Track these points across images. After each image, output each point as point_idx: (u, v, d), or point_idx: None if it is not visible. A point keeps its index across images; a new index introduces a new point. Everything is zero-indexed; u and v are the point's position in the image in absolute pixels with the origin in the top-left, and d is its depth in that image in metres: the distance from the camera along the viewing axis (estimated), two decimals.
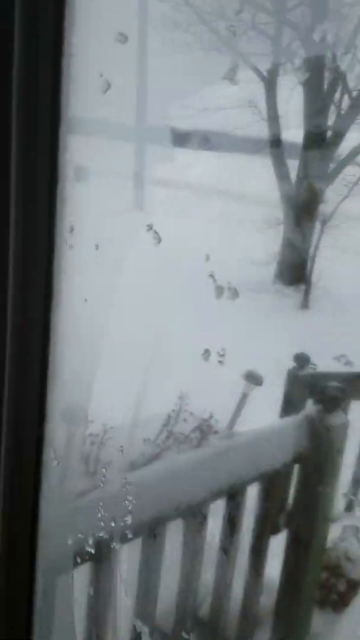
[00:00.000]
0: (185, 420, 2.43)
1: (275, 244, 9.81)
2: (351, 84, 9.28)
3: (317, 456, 1.70)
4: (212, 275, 1.20)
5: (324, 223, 8.91)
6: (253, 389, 2.43)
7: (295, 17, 9.40)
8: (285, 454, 1.70)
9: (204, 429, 2.41)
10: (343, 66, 8.67)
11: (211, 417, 2.46)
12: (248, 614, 1.78)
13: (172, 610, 1.58)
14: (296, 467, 1.76)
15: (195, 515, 1.47)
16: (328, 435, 1.68)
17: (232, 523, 1.61)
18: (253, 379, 2.47)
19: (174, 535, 1.53)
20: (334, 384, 1.78)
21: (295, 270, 9.59)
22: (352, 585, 1.87)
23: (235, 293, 1.07)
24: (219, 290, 1.08)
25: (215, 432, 2.44)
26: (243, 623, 1.78)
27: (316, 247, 8.98)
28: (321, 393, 1.74)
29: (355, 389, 2.68)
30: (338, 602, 1.87)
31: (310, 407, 1.80)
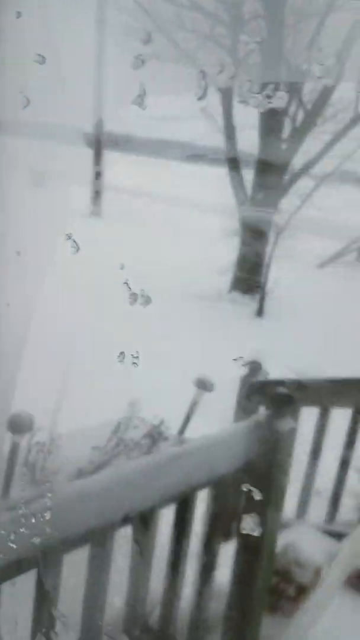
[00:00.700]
0: (136, 427, 2.42)
1: (232, 254, 9.97)
2: (305, 97, 9.54)
3: (266, 461, 1.72)
4: (134, 290, 1.23)
5: (278, 233, 9.11)
6: (203, 395, 2.45)
7: (251, 30, 9.61)
8: (236, 459, 1.71)
9: (155, 436, 2.41)
10: (298, 80, 8.89)
11: (162, 423, 2.46)
12: (198, 621, 1.79)
13: (121, 619, 1.57)
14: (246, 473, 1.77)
15: (144, 522, 1.47)
16: (276, 440, 1.71)
17: (181, 529, 1.61)
18: (203, 385, 2.49)
19: (123, 542, 1.52)
20: (282, 390, 1.81)
21: (251, 280, 9.76)
22: (302, 590, 1.89)
23: (148, 299, 1.10)
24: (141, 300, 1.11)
25: (166, 439, 2.44)
26: (193, 630, 1.78)
27: (270, 257, 9.17)
28: (270, 399, 1.77)
29: (305, 396, 2.75)
30: (288, 607, 1.89)
31: (260, 412, 1.83)
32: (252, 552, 1.75)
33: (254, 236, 9.53)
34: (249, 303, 9.25)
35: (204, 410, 2.75)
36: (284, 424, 1.73)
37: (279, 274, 8.99)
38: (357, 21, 8.16)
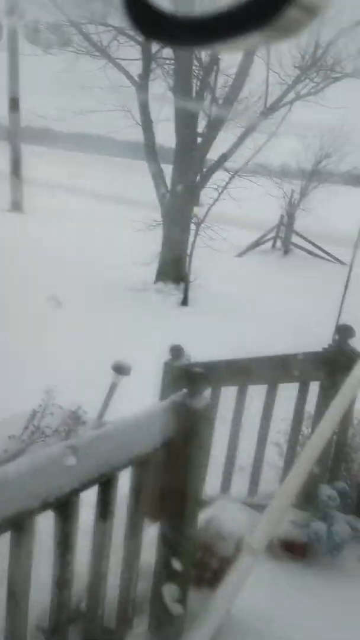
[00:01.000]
0: (52, 414, 2.41)
1: (156, 245, 10.03)
2: (218, 92, 9.70)
3: (184, 439, 1.78)
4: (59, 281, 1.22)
5: (198, 224, 9.28)
6: (122, 379, 2.47)
7: None
8: (155, 438, 1.75)
9: (72, 421, 2.41)
10: (210, 74, 9.03)
11: (79, 408, 2.46)
12: (126, 601, 1.82)
13: (47, 607, 1.56)
14: (166, 452, 1.82)
15: (64, 507, 1.47)
16: (193, 418, 1.77)
17: (104, 510, 1.63)
18: (121, 369, 2.51)
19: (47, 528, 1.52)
20: (197, 369, 1.87)
21: (175, 270, 9.89)
22: (225, 562, 1.97)
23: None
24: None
25: (84, 423, 2.45)
26: (122, 610, 1.81)
27: (192, 248, 9.33)
28: (185, 379, 1.83)
29: (226, 376, 2.85)
30: (213, 579, 1.96)
31: (177, 393, 1.87)
32: (175, 530, 1.80)
33: (176, 228, 9.65)
34: (174, 292, 9.38)
35: (131, 394, 2.78)
36: (200, 402, 1.79)
37: (201, 264, 9.20)
38: None
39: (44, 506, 1.41)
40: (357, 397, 2.59)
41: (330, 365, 2.58)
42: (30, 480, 1.35)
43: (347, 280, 5.24)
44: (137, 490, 1.76)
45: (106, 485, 1.62)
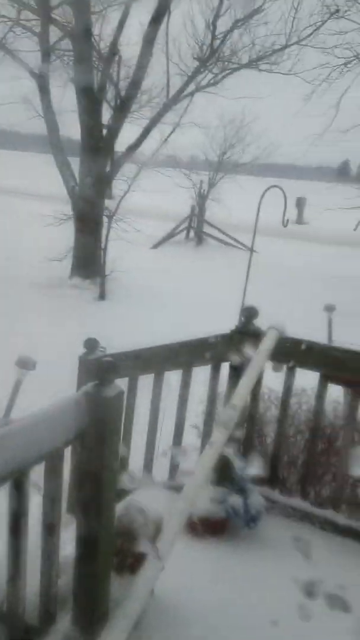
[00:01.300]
0: None
1: (68, 240, 9.84)
2: (121, 84, 9.64)
3: (98, 429, 1.78)
4: None
5: (110, 217, 9.22)
6: (26, 374, 2.42)
7: (60, 15, 9.41)
8: (67, 431, 1.75)
9: None
10: (111, 65, 8.95)
11: None
12: (48, 597, 1.80)
13: None
14: (80, 443, 1.82)
15: None
16: (105, 408, 1.77)
17: (18, 508, 1.61)
18: (25, 364, 2.46)
19: None
20: (107, 359, 1.88)
21: (90, 264, 9.79)
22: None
23: None
24: None
25: None
26: (44, 606, 1.79)
27: (106, 241, 9.27)
28: (95, 369, 1.83)
29: (142, 364, 2.88)
30: (134, 564, 1.99)
31: (88, 384, 1.87)
32: (92, 520, 1.81)
33: (88, 221, 9.53)
34: (91, 287, 9.28)
35: (46, 389, 2.73)
36: (111, 390, 1.80)
37: (117, 257, 9.16)
38: (161, 7, 8.42)
39: None
40: (265, 373, 2.72)
41: (237, 346, 2.68)
42: None
43: (249, 266, 5.47)
44: (52, 482, 1.74)
45: (17, 482, 1.59)
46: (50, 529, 1.78)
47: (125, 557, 2.01)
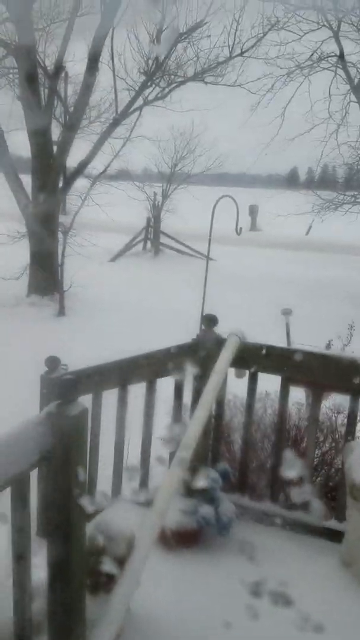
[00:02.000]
0: None
1: (23, 257, 9.71)
2: (69, 100, 9.65)
3: (62, 449, 1.76)
4: None
5: (65, 233, 9.16)
6: None
7: (2, 33, 9.34)
8: (31, 454, 1.71)
9: None
10: (56, 81, 8.93)
11: None
12: (22, 623, 1.76)
13: None
14: (45, 465, 1.79)
15: None
16: (68, 427, 1.75)
17: None
18: None
19: None
20: (67, 377, 1.86)
21: (47, 281, 9.67)
22: (119, 563, 1.98)
23: None
24: None
25: None
26: (19, 632, 1.75)
27: (62, 256, 9.19)
28: (56, 387, 1.81)
29: (105, 379, 2.85)
30: (109, 583, 1.96)
31: (50, 404, 1.84)
32: (62, 541, 1.78)
33: (43, 237, 9.42)
34: (49, 304, 9.16)
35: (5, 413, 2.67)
36: (74, 408, 1.78)
37: (74, 272, 9.08)
38: (104, 22, 8.47)
39: None
40: (228, 379, 2.75)
41: (199, 354, 2.70)
42: None
43: (206, 274, 5.55)
44: (18, 510, 1.71)
45: None
46: (20, 558, 1.74)
47: (99, 576, 1.98)
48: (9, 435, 1.69)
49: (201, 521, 2.46)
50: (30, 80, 8.67)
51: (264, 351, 2.66)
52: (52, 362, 2.85)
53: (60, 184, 9.37)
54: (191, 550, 2.50)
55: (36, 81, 8.84)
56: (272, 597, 2.20)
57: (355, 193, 12.74)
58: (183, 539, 2.47)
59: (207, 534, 2.53)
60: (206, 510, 2.47)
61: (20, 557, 1.72)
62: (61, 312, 8.68)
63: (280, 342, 4.68)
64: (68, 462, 1.79)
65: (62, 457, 1.78)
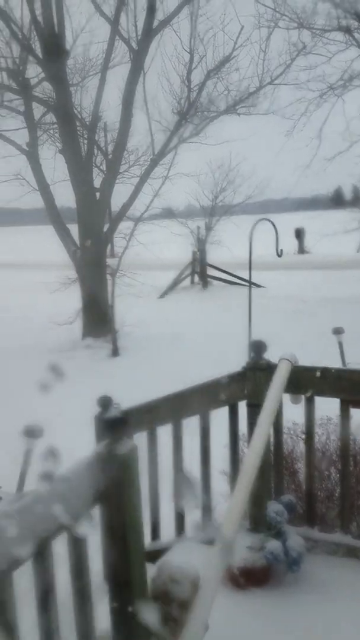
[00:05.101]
0: None
1: (76, 302, 9.96)
2: (107, 147, 9.99)
3: (115, 489, 1.72)
4: None
5: (113, 274, 9.35)
6: (34, 442, 2.36)
7: (41, 92, 9.85)
8: (84, 495, 1.69)
9: None
10: (95, 133, 9.31)
11: None
12: None
13: None
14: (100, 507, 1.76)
15: None
16: (119, 464, 1.72)
17: (42, 586, 1.54)
18: (32, 433, 2.41)
19: None
20: (116, 415, 1.84)
21: (100, 323, 9.85)
22: (184, 606, 1.89)
23: None
24: None
25: (0, 499, 2.31)
26: None
27: (112, 297, 9.36)
28: (105, 426, 1.79)
29: (159, 415, 2.82)
30: (175, 627, 1.88)
31: (100, 443, 1.83)
32: (123, 584, 1.72)
33: (92, 281, 9.66)
34: (104, 345, 9.30)
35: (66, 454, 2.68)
36: (123, 447, 1.75)
37: (125, 312, 9.22)
38: (135, 70, 8.81)
39: None
40: (285, 406, 2.64)
41: (250, 382, 2.62)
42: None
43: (249, 299, 5.48)
44: (74, 554, 1.67)
45: (39, 557, 1.53)
46: (81, 602, 1.70)
47: (165, 621, 1.90)
48: (62, 479, 1.68)
49: (269, 557, 2.34)
50: (69, 134, 9.07)
51: (318, 374, 2.55)
52: (104, 402, 2.85)
53: (105, 228, 9.64)
54: (261, 588, 2.37)
55: (75, 134, 9.24)
56: (349, 635, 2.05)
57: None
58: (251, 577, 2.35)
59: (276, 570, 2.40)
60: (274, 545, 2.34)
61: (81, 601, 1.68)
62: (115, 352, 8.78)
63: (335, 363, 4.51)
64: (121, 501, 1.75)
65: (115, 496, 1.75)
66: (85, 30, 10.10)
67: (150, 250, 10.42)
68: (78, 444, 2.80)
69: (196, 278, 14.94)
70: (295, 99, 11.14)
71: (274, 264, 10.24)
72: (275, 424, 2.55)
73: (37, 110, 10.06)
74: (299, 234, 22.12)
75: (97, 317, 9.54)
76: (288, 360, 2.52)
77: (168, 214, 14.64)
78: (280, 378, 2.44)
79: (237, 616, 2.17)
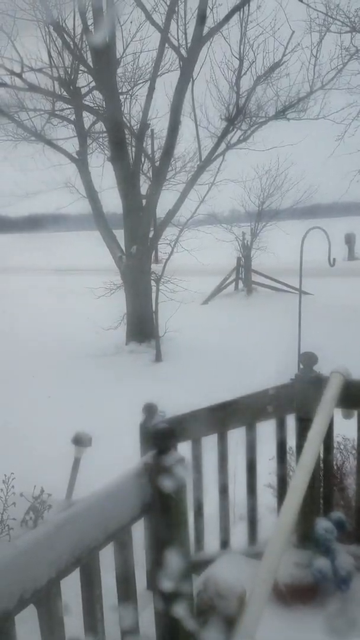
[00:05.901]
0: (15, 504, 2.27)
1: (121, 308, 10.08)
2: (155, 155, 10.08)
3: (162, 501, 1.71)
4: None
5: (157, 280, 9.40)
6: (83, 451, 2.37)
7: (91, 101, 10.03)
8: (132, 506, 1.69)
9: (38, 507, 2.28)
10: (143, 141, 9.41)
11: (42, 492, 2.33)
12: None
13: None
14: (147, 518, 1.75)
15: (44, 599, 1.38)
16: (166, 477, 1.71)
17: (89, 594, 1.54)
18: (80, 441, 2.42)
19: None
20: (162, 426, 1.83)
21: (144, 328, 9.92)
22: (230, 621, 1.86)
23: None
24: None
25: (50, 507, 2.32)
26: None
27: (156, 303, 9.41)
28: (151, 437, 1.78)
29: (203, 425, 2.80)
30: None
31: (147, 454, 1.82)
32: (168, 595, 1.71)
33: (137, 287, 9.74)
34: (147, 350, 9.35)
35: (107, 463, 2.69)
36: (170, 458, 1.74)
37: (169, 317, 9.24)
38: (184, 77, 8.86)
39: (22, 603, 1.32)
40: (335, 421, 2.57)
41: (300, 395, 2.56)
42: (4, 578, 1.27)
43: (299, 308, 5.37)
44: (121, 564, 1.67)
45: (86, 567, 1.54)
46: (126, 610, 1.69)
47: (211, 636, 1.87)
48: (110, 489, 1.68)
49: (317, 575, 2.27)
50: (118, 142, 9.20)
51: None
52: (150, 409, 2.85)
53: (151, 234, 9.70)
54: (307, 606, 2.31)
55: (124, 142, 9.36)
56: None
57: None
58: (299, 594, 2.29)
59: (324, 588, 2.33)
60: (322, 563, 2.28)
61: (126, 609, 1.68)
62: (158, 357, 8.81)
63: None
64: (168, 513, 1.74)
65: (162, 508, 1.74)
66: (135, 39, 10.21)
67: (194, 256, 10.41)
68: (123, 452, 2.82)
69: (240, 284, 14.83)
70: (346, 104, 10.91)
71: (323, 270, 10.03)
72: (325, 440, 2.49)
73: (87, 119, 10.26)
74: (350, 239, 21.62)
75: (141, 323, 9.61)
76: (340, 373, 2.45)
77: (212, 219, 14.59)
78: (331, 392, 2.37)
79: (282, 633, 2.12)
